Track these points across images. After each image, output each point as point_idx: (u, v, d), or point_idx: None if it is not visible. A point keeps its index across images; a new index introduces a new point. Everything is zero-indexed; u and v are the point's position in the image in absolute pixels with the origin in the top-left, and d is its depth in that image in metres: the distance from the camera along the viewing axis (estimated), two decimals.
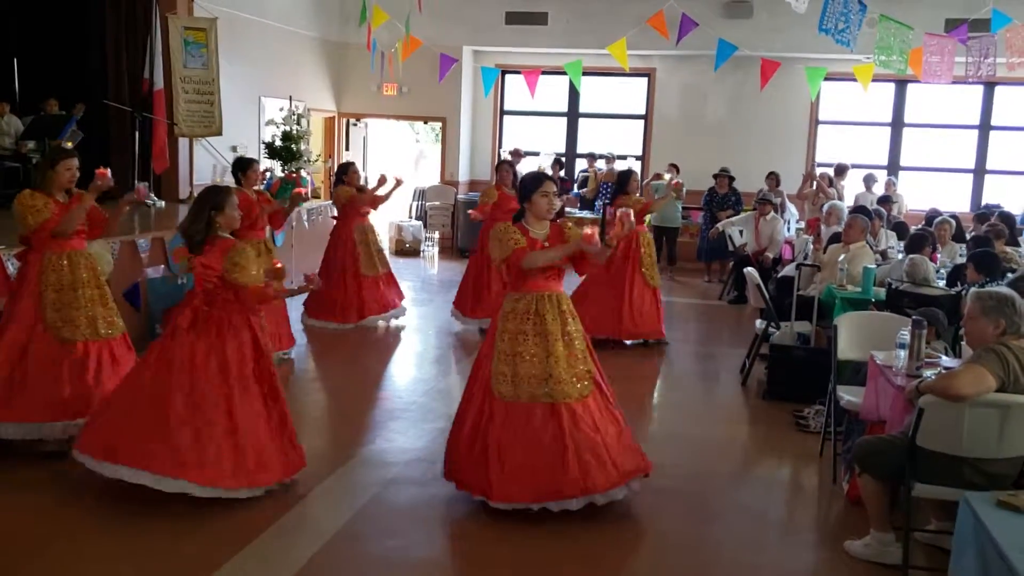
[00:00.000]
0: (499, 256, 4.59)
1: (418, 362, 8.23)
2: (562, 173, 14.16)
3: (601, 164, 14.09)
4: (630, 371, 8.13)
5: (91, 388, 5.18)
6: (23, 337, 5.14)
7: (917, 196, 13.48)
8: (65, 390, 5.12)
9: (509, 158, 13.74)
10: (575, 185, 14.69)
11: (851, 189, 12.75)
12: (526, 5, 13.84)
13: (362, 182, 9.59)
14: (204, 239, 4.64)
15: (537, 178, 4.74)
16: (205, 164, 11.32)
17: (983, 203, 12.89)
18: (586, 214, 13.71)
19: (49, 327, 5.15)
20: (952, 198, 13.65)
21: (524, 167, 14.24)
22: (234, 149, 11.20)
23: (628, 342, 8.53)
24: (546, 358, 4.50)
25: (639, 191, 8.92)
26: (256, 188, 7.59)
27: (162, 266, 8.13)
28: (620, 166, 14.06)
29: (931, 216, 9.96)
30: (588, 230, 4.37)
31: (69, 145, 8.60)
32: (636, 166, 14.71)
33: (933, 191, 13.89)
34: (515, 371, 4.49)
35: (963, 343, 4.89)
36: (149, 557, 4.07)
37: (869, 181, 12.62)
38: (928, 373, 4.33)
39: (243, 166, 7.55)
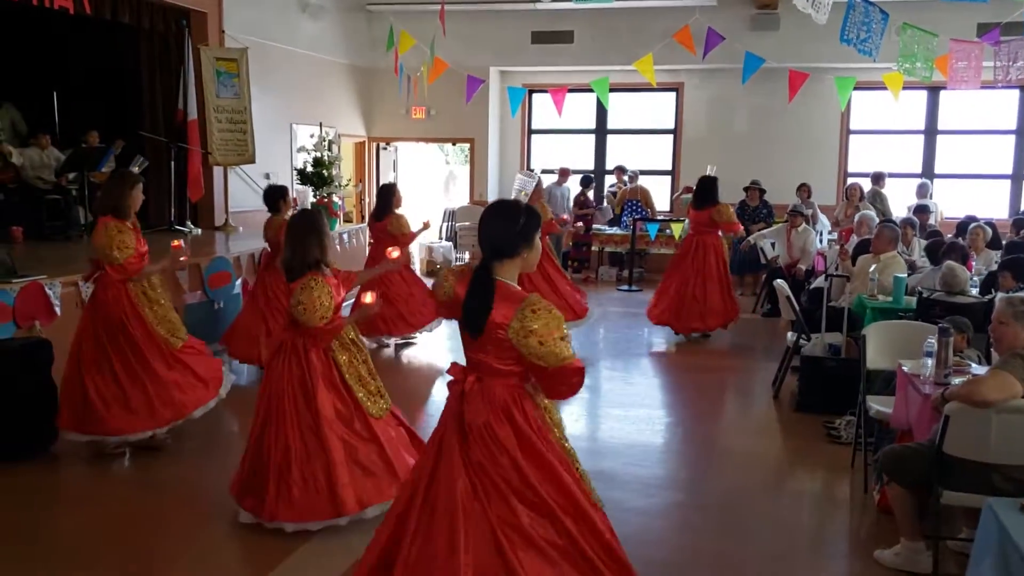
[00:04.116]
0: None
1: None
2: (590, 194, 14.18)
3: (625, 180, 14.09)
4: (664, 383, 8.13)
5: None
6: (147, 354, 5.60)
7: (954, 204, 13.30)
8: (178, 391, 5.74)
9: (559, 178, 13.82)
10: (603, 200, 14.68)
11: (894, 198, 12.59)
12: (552, 24, 13.94)
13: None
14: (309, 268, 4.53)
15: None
16: (239, 192, 11.53)
17: (1022, 209, 12.69)
18: (616, 231, 13.71)
19: (162, 338, 5.66)
20: (989, 205, 13.44)
21: (572, 185, 14.21)
22: (267, 176, 11.39)
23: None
24: None
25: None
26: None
27: (199, 292, 8.27)
28: (643, 181, 14.10)
29: (965, 223, 9.82)
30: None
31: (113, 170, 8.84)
32: (666, 181, 14.72)
33: (970, 198, 13.69)
34: None
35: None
36: None
37: (923, 190, 12.48)
38: (957, 381, 4.30)
39: (283, 193, 7.82)
